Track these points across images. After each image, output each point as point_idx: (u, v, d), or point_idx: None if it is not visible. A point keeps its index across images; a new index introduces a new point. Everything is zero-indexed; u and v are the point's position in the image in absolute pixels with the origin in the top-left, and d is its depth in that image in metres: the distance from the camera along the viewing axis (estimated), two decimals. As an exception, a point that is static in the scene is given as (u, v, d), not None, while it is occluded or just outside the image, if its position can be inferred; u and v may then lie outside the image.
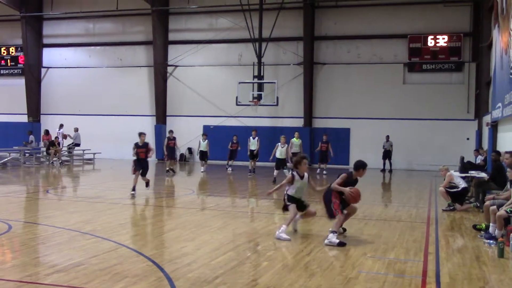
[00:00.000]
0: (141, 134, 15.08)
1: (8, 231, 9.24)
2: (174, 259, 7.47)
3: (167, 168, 22.31)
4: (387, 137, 25.71)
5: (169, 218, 11.54)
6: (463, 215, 12.19)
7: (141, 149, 14.86)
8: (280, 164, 19.26)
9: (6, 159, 25.14)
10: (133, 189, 14.42)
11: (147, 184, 15.36)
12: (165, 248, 8.53)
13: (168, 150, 22.51)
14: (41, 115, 33.11)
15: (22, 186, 17.71)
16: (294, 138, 21.91)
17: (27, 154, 26.81)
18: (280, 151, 19.28)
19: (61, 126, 28.68)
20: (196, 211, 12.45)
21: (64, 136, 28.34)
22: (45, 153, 27.17)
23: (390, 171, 25.60)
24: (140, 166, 14.90)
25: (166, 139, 23.10)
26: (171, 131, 23.51)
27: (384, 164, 25.77)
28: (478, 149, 21.15)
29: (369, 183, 21.19)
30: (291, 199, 9.42)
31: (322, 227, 10.23)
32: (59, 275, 6.50)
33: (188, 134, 28.45)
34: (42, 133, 29.41)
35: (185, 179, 21.71)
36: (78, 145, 28.59)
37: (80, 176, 22.43)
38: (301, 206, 9.59)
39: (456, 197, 12.83)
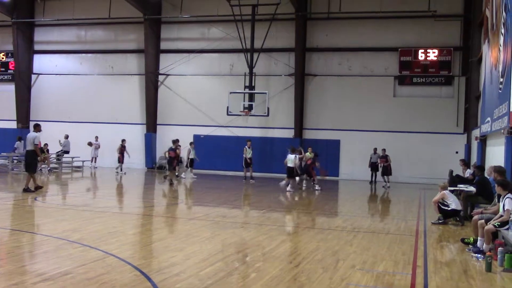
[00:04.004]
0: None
1: (-6, 238, 9.16)
2: (163, 269, 7.42)
3: (176, 174, 24.04)
4: (375, 149, 25.72)
5: (158, 228, 11.48)
6: (452, 229, 12.24)
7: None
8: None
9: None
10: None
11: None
12: (154, 257, 8.48)
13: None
14: (30, 122, 32.87)
15: (9, 193, 17.53)
16: (308, 153, 22.57)
17: (15, 161, 26.61)
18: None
19: (97, 138, 29.27)
20: (185, 221, 12.40)
21: (95, 147, 29.19)
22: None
23: (375, 182, 25.51)
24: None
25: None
26: (177, 140, 24.25)
27: (372, 176, 25.77)
28: (464, 160, 21.17)
29: (358, 195, 21.28)
30: None
31: (312, 238, 10.23)
32: (46, 284, 6.44)
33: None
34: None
35: (175, 188, 21.61)
36: (68, 152, 28.44)
37: (69, 183, 22.28)
38: None
39: (445, 214, 12.88)
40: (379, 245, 9.89)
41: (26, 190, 16.49)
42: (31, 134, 16.55)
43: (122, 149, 27.26)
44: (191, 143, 25.37)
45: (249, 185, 22.74)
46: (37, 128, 16.65)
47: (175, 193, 19.54)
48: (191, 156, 25.15)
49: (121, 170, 26.89)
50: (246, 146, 24.36)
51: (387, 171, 24.42)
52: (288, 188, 20.52)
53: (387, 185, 24.04)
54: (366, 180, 25.79)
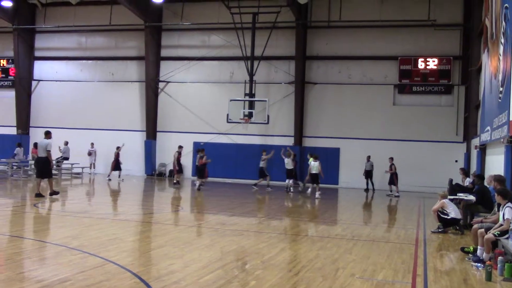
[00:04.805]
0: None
1: (-7, 244, 9.14)
2: (162, 276, 7.41)
3: (175, 181, 24.80)
4: (368, 157, 25.70)
5: (157, 235, 11.46)
6: (452, 238, 12.22)
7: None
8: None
9: (-7, 172, 24.94)
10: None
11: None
12: (153, 265, 8.46)
13: (178, 164, 25.24)
14: (30, 128, 32.92)
15: (9, 199, 17.53)
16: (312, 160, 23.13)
17: (14, 167, 26.59)
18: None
19: (92, 144, 29.65)
20: (185, 228, 12.38)
21: (89, 153, 29.59)
22: (33, 166, 26.93)
23: (373, 190, 25.58)
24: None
25: (177, 154, 25.28)
26: (181, 147, 25.65)
27: (367, 183, 25.77)
28: (464, 169, 21.07)
29: (357, 203, 21.27)
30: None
31: (312, 246, 10.22)
32: (44, 291, 6.43)
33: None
34: (31, 146, 29.23)
35: (175, 195, 21.60)
36: (67, 158, 28.43)
37: (68, 190, 22.24)
38: None
39: (444, 223, 12.88)
40: (379, 253, 9.88)
41: (53, 193, 17.10)
42: (44, 141, 17.04)
43: (117, 156, 27.24)
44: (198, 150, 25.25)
45: (248, 193, 22.77)
46: (48, 135, 17.29)
47: (176, 200, 19.54)
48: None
49: (119, 176, 26.89)
50: (263, 155, 24.84)
51: (391, 181, 24.40)
52: (317, 195, 21.07)
53: (393, 194, 23.90)
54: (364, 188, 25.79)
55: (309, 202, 20.13)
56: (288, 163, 23.80)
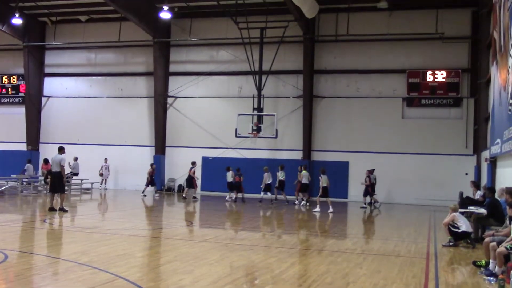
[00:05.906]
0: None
1: (4, 260, 9.15)
2: (172, 292, 7.38)
3: (194, 195, 25.85)
4: (372, 170, 25.32)
5: (167, 250, 11.44)
6: (463, 251, 12.11)
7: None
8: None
9: (4, 188, 25.04)
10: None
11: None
12: (162, 280, 8.44)
13: (193, 179, 26.01)
14: (40, 144, 33.12)
15: (19, 215, 17.60)
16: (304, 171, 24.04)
17: (24, 183, 26.70)
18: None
19: (106, 160, 30.05)
20: (194, 243, 12.35)
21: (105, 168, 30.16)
22: (43, 182, 27.06)
23: (370, 203, 25.13)
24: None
25: (193, 169, 26.02)
26: (194, 162, 26.28)
27: (371, 197, 25.42)
28: (474, 182, 20.89)
29: (365, 217, 21.15)
30: None
31: (321, 260, 10.16)
32: (54, 307, 6.42)
33: (187, 165, 28.13)
34: (41, 162, 29.37)
35: (184, 210, 21.59)
36: (77, 174, 28.54)
37: (78, 205, 22.29)
38: None
39: (455, 236, 12.77)
40: (390, 267, 9.80)
41: (62, 209, 17.30)
42: (58, 156, 17.51)
43: (152, 173, 27.55)
44: (228, 168, 25.74)
45: (255, 208, 22.71)
46: (62, 150, 17.74)
47: (187, 215, 19.52)
48: (229, 179, 25.48)
49: (142, 192, 27.17)
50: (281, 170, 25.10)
51: (366, 192, 24.49)
52: (330, 210, 21.03)
53: (378, 204, 24.56)
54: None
55: (319, 216, 20.03)
56: (267, 178, 24.98)
